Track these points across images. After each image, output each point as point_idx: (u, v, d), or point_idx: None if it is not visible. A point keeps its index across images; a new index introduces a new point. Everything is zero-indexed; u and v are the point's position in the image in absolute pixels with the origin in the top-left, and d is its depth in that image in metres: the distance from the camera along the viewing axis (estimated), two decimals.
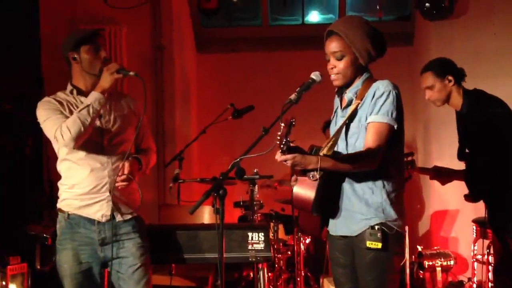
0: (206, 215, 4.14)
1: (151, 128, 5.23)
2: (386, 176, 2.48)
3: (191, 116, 6.38)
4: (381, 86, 2.48)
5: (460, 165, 3.67)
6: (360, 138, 2.50)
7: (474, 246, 4.77)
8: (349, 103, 2.58)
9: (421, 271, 4.97)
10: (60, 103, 2.83)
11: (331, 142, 2.46)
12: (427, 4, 5.40)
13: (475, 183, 3.53)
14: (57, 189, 2.95)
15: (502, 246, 3.54)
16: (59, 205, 2.90)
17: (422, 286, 5.03)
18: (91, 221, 2.84)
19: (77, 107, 2.80)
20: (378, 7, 6.71)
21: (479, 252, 4.66)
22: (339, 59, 2.53)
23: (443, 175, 3.74)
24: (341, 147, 2.56)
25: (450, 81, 3.51)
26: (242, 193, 4.60)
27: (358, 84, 2.57)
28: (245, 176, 2.28)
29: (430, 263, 4.89)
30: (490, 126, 3.42)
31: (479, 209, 3.93)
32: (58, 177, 2.94)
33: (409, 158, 3.83)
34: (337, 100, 2.71)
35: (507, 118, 3.46)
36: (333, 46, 2.53)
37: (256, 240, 3.32)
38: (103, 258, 2.87)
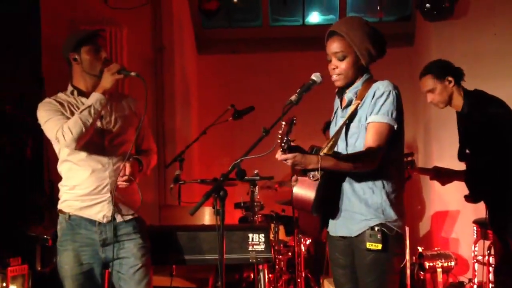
0: (206, 216, 4.14)
1: (152, 129, 5.23)
2: (386, 177, 2.48)
3: (191, 117, 6.38)
4: (381, 86, 2.48)
5: (461, 166, 3.67)
6: (360, 138, 2.50)
7: (474, 247, 4.77)
8: (349, 103, 2.58)
9: (421, 272, 4.97)
10: (61, 104, 2.83)
11: (331, 142, 2.46)
12: (427, 5, 5.40)
13: (475, 183, 3.53)
14: (57, 190, 2.95)
15: (503, 247, 3.54)
16: (60, 206, 2.90)
17: (422, 287, 5.02)
18: (92, 222, 2.84)
19: (78, 108, 2.80)
20: (378, 8, 6.72)
21: (479, 253, 4.66)
22: (341, 60, 2.53)
23: (443, 176, 3.74)
24: (341, 147, 2.56)
25: (450, 82, 3.51)
26: (242, 194, 4.60)
27: (358, 84, 2.57)
28: (245, 177, 2.28)
29: (431, 264, 4.89)
30: (491, 126, 3.42)
31: (479, 210, 3.93)
32: (59, 178, 2.94)
33: (409, 158, 3.82)
34: (337, 100, 2.71)
35: (508, 118, 3.46)
36: (335, 46, 2.53)
37: (257, 241, 3.32)
38: (104, 259, 2.87)
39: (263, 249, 3.32)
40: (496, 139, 3.42)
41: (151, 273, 2.96)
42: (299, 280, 4.70)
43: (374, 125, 2.44)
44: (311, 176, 2.34)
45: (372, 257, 2.45)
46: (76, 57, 2.84)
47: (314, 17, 7.01)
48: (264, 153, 2.21)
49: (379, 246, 2.41)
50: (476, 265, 4.79)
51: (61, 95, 2.89)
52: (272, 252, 3.47)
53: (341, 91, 2.64)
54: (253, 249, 3.32)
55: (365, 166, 2.41)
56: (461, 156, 3.63)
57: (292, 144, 2.24)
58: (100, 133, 2.85)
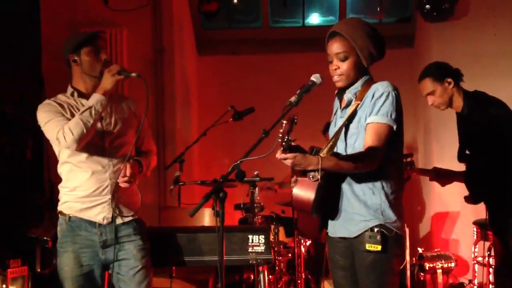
0: (206, 217, 4.13)
1: (152, 130, 5.23)
2: (385, 178, 2.48)
3: (191, 118, 6.38)
4: (380, 87, 2.48)
5: (460, 167, 3.67)
6: (359, 139, 2.50)
7: (474, 248, 4.77)
8: (348, 104, 2.58)
9: (421, 273, 4.96)
10: (61, 105, 2.83)
11: (331, 143, 2.45)
12: (427, 6, 5.40)
13: (475, 184, 3.53)
14: (57, 191, 2.95)
15: (503, 248, 3.54)
16: (60, 207, 2.90)
17: None
18: (92, 223, 2.84)
19: (78, 110, 2.80)
20: (378, 9, 6.72)
21: (479, 254, 4.66)
22: (343, 60, 2.53)
23: (443, 177, 3.73)
24: (340, 148, 2.56)
25: (449, 83, 3.51)
26: (242, 195, 4.60)
27: (358, 85, 2.57)
28: (245, 179, 2.27)
29: (431, 265, 4.88)
30: (491, 127, 3.42)
31: (479, 211, 3.93)
32: (59, 179, 2.94)
33: (409, 159, 3.82)
34: (337, 101, 2.71)
35: (508, 119, 3.46)
36: (336, 47, 2.53)
37: (257, 242, 3.31)
38: (104, 260, 2.87)
39: (263, 251, 3.32)
40: (496, 140, 3.42)
41: (151, 274, 2.96)
42: (299, 282, 4.69)
43: (374, 125, 2.44)
44: (311, 176, 2.34)
45: (371, 258, 2.44)
46: (76, 58, 2.84)
47: (314, 19, 7.01)
48: (264, 154, 2.21)
49: (379, 247, 2.41)
50: (476, 266, 4.79)
51: (60, 97, 2.89)
52: (272, 254, 3.47)
53: (341, 92, 2.64)
54: (253, 250, 3.32)
55: (365, 166, 2.41)
56: (461, 157, 3.63)
57: (292, 143, 2.24)
58: (100, 135, 2.84)
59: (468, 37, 5.50)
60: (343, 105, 2.62)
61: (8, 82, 4.63)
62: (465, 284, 5.08)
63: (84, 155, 2.81)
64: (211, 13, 6.23)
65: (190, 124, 6.28)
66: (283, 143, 2.19)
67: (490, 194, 3.46)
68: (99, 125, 2.83)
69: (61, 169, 2.90)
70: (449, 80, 3.51)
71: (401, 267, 2.69)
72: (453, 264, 4.92)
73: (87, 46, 2.83)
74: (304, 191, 2.41)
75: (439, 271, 4.88)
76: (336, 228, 2.59)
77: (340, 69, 2.54)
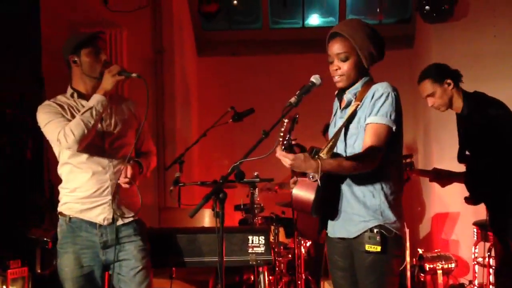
0: (206, 218, 4.13)
1: (152, 131, 5.24)
2: (384, 178, 2.48)
3: (191, 119, 6.38)
4: (380, 88, 2.48)
5: (461, 167, 3.66)
6: (359, 139, 2.50)
7: (475, 248, 4.77)
8: (348, 104, 2.58)
9: (422, 274, 4.96)
10: (61, 106, 2.82)
11: (330, 143, 2.45)
12: (427, 7, 5.40)
13: (475, 185, 3.53)
14: (57, 192, 2.94)
15: (503, 248, 3.54)
16: (60, 208, 2.90)
17: None
18: (92, 224, 2.84)
19: (79, 111, 2.80)
20: (378, 10, 6.72)
21: (480, 255, 4.66)
22: (344, 61, 2.53)
23: (443, 177, 3.73)
24: (340, 148, 2.56)
25: (449, 84, 3.51)
26: (242, 196, 4.60)
27: (358, 85, 2.57)
28: (245, 179, 2.28)
29: (431, 266, 4.88)
30: (491, 128, 3.42)
31: (479, 211, 3.93)
32: (59, 179, 2.94)
33: (408, 160, 3.82)
34: (336, 102, 2.71)
35: (508, 120, 3.46)
36: (337, 47, 2.53)
37: (257, 243, 3.31)
38: (104, 261, 2.87)
39: (263, 251, 3.32)
40: (496, 141, 3.42)
41: (151, 275, 2.96)
42: (299, 282, 4.69)
43: (373, 126, 2.44)
44: (310, 176, 2.34)
45: (371, 259, 2.44)
46: (76, 59, 2.84)
47: (314, 20, 7.01)
48: (264, 155, 2.21)
49: (378, 248, 2.41)
50: (477, 267, 4.79)
51: (60, 98, 2.89)
52: (272, 254, 3.47)
53: (341, 92, 2.64)
54: (253, 251, 3.32)
55: (365, 167, 2.40)
56: (461, 158, 3.63)
57: (292, 142, 2.24)
58: (100, 136, 2.84)
59: (467, 38, 5.50)
60: (343, 105, 2.62)
61: (8, 82, 4.63)
62: (465, 285, 5.07)
63: (84, 156, 2.81)
64: (211, 14, 6.23)
65: (190, 125, 6.28)
66: (284, 142, 2.19)
67: (490, 194, 3.46)
68: (99, 126, 2.82)
69: (61, 170, 2.90)
70: (449, 81, 3.51)
71: (401, 268, 2.69)
72: (453, 265, 4.92)
73: (87, 47, 2.83)
74: (304, 192, 2.41)
75: (439, 271, 4.87)
76: (336, 229, 2.59)
77: (340, 69, 2.54)
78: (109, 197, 2.83)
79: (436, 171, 3.77)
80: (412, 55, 6.45)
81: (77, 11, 5.35)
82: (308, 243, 5.05)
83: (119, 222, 2.86)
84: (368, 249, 2.42)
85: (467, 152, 3.60)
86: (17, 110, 4.63)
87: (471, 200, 3.57)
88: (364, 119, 2.48)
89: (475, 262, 4.79)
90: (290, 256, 4.82)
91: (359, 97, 2.53)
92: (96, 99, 2.74)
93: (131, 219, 2.91)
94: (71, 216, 2.84)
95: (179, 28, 5.92)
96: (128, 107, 3.01)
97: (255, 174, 4.05)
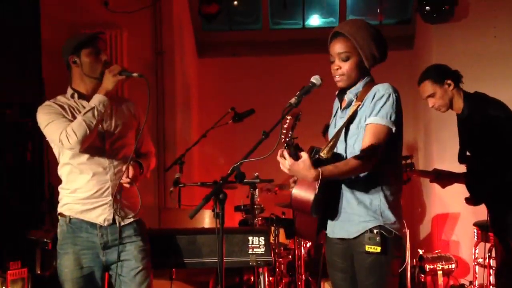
0: (206, 219, 4.13)
1: (152, 132, 5.24)
2: (384, 179, 2.48)
3: (191, 120, 6.38)
4: (381, 89, 2.48)
5: (461, 168, 3.66)
6: (359, 140, 2.49)
7: (475, 249, 4.76)
8: (349, 104, 2.58)
9: (422, 275, 4.96)
10: (62, 107, 2.82)
11: (331, 143, 2.45)
12: (427, 8, 5.40)
13: (476, 186, 3.52)
14: (57, 193, 2.94)
15: (504, 249, 3.54)
16: (60, 209, 2.90)
17: None
18: (93, 225, 2.84)
19: (79, 111, 2.80)
20: (378, 11, 6.72)
21: (480, 256, 4.65)
22: (345, 60, 2.53)
23: (443, 178, 3.73)
24: (340, 149, 2.56)
25: (449, 85, 3.51)
26: (242, 197, 4.59)
27: (359, 86, 2.57)
28: (245, 180, 2.28)
29: (431, 266, 4.88)
30: (491, 128, 3.42)
31: (480, 212, 3.93)
32: (59, 181, 2.94)
33: (408, 161, 3.82)
34: (337, 102, 2.71)
35: (508, 120, 3.45)
36: (339, 47, 2.53)
37: (257, 244, 3.31)
38: (105, 262, 2.87)
39: (263, 252, 3.32)
40: (497, 141, 3.42)
41: (152, 276, 2.96)
42: (299, 283, 4.69)
43: (372, 126, 2.44)
44: None
45: (371, 260, 2.44)
46: (76, 60, 2.84)
47: (314, 20, 7.00)
48: (263, 156, 2.21)
49: (378, 249, 2.40)
50: (477, 267, 4.78)
51: (60, 98, 2.89)
52: (272, 255, 3.47)
53: (342, 92, 2.64)
54: (253, 252, 3.32)
55: (364, 168, 2.40)
56: (462, 158, 3.63)
57: (294, 141, 2.23)
58: (101, 137, 2.84)
59: (468, 38, 5.50)
60: (344, 105, 2.62)
61: (8, 83, 4.63)
62: (465, 286, 5.07)
63: (85, 157, 2.81)
64: (211, 15, 6.22)
65: (190, 126, 6.29)
66: (287, 139, 2.19)
67: (490, 195, 3.46)
68: (99, 126, 2.82)
69: (61, 171, 2.90)
70: (449, 81, 3.51)
71: (401, 268, 2.68)
72: (453, 266, 4.92)
73: (87, 48, 2.82)
74: (303, 192, 2.40)
75: (440, 272, 4.87)
76: (335, 229, 2.59)
77: (341, 69, 2.54)
78: (110, 198, 2.83)
79: (436, 171, 3.77)
80: (413, 56, 6.45)
81: (77, 12, 5.35)
82: (308, 244, 5.04)
83: (120, 222, 2.86)
84: (368, 250, 2.42)
85: (467, 153, 3.60)
86: (17, 111, 4.63)
87: (472, 200, 3.57)
88: (365, 120, 2.47)
89: (476, 263, 4.78)
90: (290, 257, 4.82)
91: (360, 97, 2.53)
92: (98, 99, 2.74)
93: (131, 219, 2.91)
94: (71, 217, 2.84)
95: (179, 29, 5.92)
96: (128, 108, 3.01)
97: (255, 175, 4.04)
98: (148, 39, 5.63)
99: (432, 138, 5.74)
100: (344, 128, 2.53)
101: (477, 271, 4.80)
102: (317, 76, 2.46)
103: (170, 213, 4.72)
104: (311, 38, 6.33)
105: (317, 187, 2.30)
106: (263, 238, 3.32)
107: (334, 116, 2.72)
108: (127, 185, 2.83)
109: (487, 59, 5.40)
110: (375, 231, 2.43)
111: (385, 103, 2.44)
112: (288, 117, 2.20)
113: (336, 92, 2.68)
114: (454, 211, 5.50)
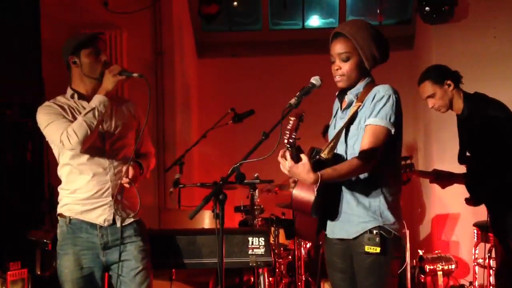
0: (206, 220, 4.13)
1: (152, 132, 5.24)
2: (383, 180, 2.48)
3: (191, 120, 6.38)
4: (381, 90, 2.48)
5: (461, 168, 3.66)
6: (359, 141, 2.49)
7: (475, 250, 4.76)
8: (349, 105, 2.58)
9: (422, 275, 4.96)
10: (62, 107, 2.82)
11: (331, 144, 2.45)
12: (427, 8, 5.40)
13: (476, 186, 3.53)
14: (57, 193, 2.94)
15: (504, 249, 3.54)
16: (60, 210, 2.89)
17: None
18: (93, 225, 2.84)
19: (79, 112, 2.80)
20: (378, 11, 6.72)
21: (480, 256, 4.65)
22: (345, 61, 2.52)
23: (443, 179, 3.73)
24: (340, 149, 2.56)
25: (449, 85, 3.51)
26: (242, 197, 4.59)
27: (359, 87, 2.57)
28: (245, 181, 2.28)
29: (431, 267, 4.88)
30: (491, 129, 3.42)
31: (480, 212, 3.93)
32: (58, 181, 2.93)
33: (408, 162, 3.82)
34: (337, 103, 2.71)
35: (508, 121, 3.45)
36: (339, 47, 2.53)
37: (257, 244, 3.31)
38: (105, 262, 2.87)
39: (263, 253, 3.32)
40: (497, 142, 3.42)
41: (152, 276, 2.96)
42: (299, 284, 4.69)
43: (372, 127, 2.44)
44: None
45: (370, 261, 2.44)
46: (76, 60, 2.84)
47: (314, 21, 7.00)
48: (264, 156, 2.21)
49: (378, 250, 2.41)
50: (477, 268, 4.78)
51: (60, 98, 2.88)
52: (272, 256, 3.47)
53: (342, 93, 2.64)
54: (253, 252, 3.31)
55: (362, 169, 2.40)
56: (462, 159, 3.63)
57: (296, 142, 2.23)
58: (101, 137, 2.84)
59: (468, 39, 5.50)
60: (344, 106, 2.62)
61: (8, 84, 4.63)
62: (465, 286, 5.07)
63: (85, 158, 2.81)
64: (211, 16, 6.22)
65: (190, 126, 6.28)
66: (290, 140, 2.19)
67: (490, 195, 3.46)
68: (100, 127, 2.82)
69: (61, 171, 2.90)
70: (449, 82, 3.51)
71: (401, 269, 2.68)
72: (453, 266, 4.92)
73: (87, 48, 2.82)
74: (304, 192, 2.41)
75: (440, 273, 4.87)
76: (335, 230, 2.59)
77: (341, 69, 2.54)
78: (110, 198, 2.84)
79: (436, 172, 3.77)
80: (412, 56, 6.45)
81: (77, 13, 5.35)
82: (308, 245, 5.04)
83: (120, 223, 2.86)
84: (368, 251, 2.42)
85: (467, 153, 3.60)
86: (17, 112, 4.63)
87: (472, 201, 3.57)
88: (365, 121, 2.47)
89: (476, 263, 4.78)
90: (290, 257, 4.82)
91: (361, 98, 2.53)
92: (98, 99, 2.74)
93: (131, 219, 2.91)
94: (71, 218, 2.84)
95: (179, 29, 5.92)
96: (128, 108, 3.01)
97: (255, 175, 4.04)
98: (147, 39, 5.63)
99: (432, 138, 5.74)
100: (344, 129, 2.53)
101: (477, 271, 4.79)
102: (317, 77, 2.46)
103: (170, 213, 4.72)
104: (311, 39, 6.32)
105: (315, 190, 2.30)
106: (263, 238, 3.32)
107: (334, 117, 2.72)
108: (127, 186, 2.84)
109: (486, 59, 5.40)
110: (374, 231, 2.43)
111: (385, 104, 2.44)
112: (292, 118, 2.20)
113: (336, 93, 2.68)
114: (454, 212, 5.50)
